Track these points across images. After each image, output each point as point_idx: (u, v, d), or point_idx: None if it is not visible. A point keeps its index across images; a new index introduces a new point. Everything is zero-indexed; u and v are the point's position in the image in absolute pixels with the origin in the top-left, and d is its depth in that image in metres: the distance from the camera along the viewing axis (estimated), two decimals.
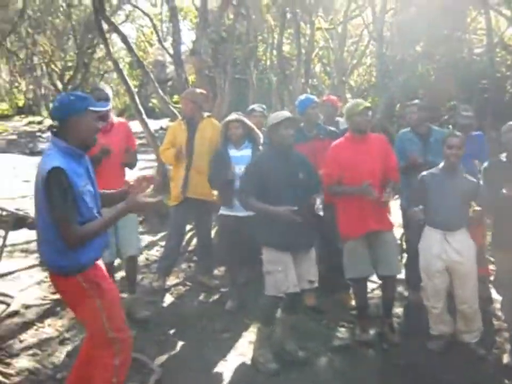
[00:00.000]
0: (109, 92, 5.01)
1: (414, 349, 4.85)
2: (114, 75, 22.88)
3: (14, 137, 19.55)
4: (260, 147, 5.30)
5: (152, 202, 3.24)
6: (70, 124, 3.18)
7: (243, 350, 4.73)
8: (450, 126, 5.92)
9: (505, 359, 4.65)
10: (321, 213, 4.30)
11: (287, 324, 4.71)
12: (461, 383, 4.36)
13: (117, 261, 5.59)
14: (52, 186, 3.02)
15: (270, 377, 4.32)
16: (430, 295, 4.80)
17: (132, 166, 5.27)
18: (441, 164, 4.74)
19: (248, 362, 4.54)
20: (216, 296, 5.83)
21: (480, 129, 6.24)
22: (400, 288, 5.94)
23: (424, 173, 4.82)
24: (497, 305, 5.25)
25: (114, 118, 5.28)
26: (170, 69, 25.26)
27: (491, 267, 5.86)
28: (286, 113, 4.69)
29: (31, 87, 28.29)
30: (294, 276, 4.37)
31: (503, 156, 4.64)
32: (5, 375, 4.07)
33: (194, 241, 6.69)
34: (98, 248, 3.36)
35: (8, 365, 4.25)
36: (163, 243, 6.37)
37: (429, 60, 12.11)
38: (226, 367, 4.47)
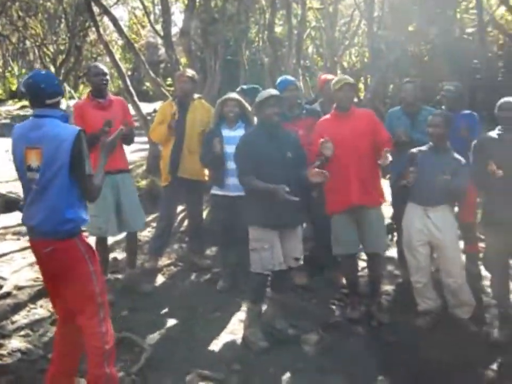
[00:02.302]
0: (104, 68, 5.22)
1: (403, 326, 4.90)
2: (107, 58, 22.72)
3: (7, 121, 19.43)
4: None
5: (115, 135, 3.76)
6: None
7: (234, 328, 4.78)
8: (443, 106, 5.88)
9: (495, 334, 4.69)
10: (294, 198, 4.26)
11: (277, 302, 4.76)
12: (448, 359, 4.39)
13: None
14: (82, 146, 3.31)
15: (260, 355, 4.36)
16: (414, 270, 4.87)
17: (129, 141, 5.34)
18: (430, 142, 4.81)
19: (239, 340, 4.58)
20: (207, 276, 5.86)
21: (471, 108, 6.23)
22: (391, 267, 6.00)
23: (414, 150, 4.86)
24: (487, 282, 5.29)
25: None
26: (163, 51, 25.03)
27: (481, 244, 5.91)
28: (271, 91, 4.67)
29: (23, 71, 28.08)
30: (280, 254, 4.41)
31: (494, 133, 4.65)
32: None
33: (186, 221, 6.70)
34: None
35: (0, 346, 4.29)
36: (155, 224, 6.39)
37: (421, 40, 12.08)
38: (217, 345, 4.52)
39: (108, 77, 5.17)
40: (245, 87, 6.58)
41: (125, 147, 5.36)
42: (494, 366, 4.33)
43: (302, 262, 4.67)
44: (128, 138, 5.24)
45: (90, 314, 3.41)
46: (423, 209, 4.75)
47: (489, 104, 5.47)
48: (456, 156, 4.76)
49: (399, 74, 10.89)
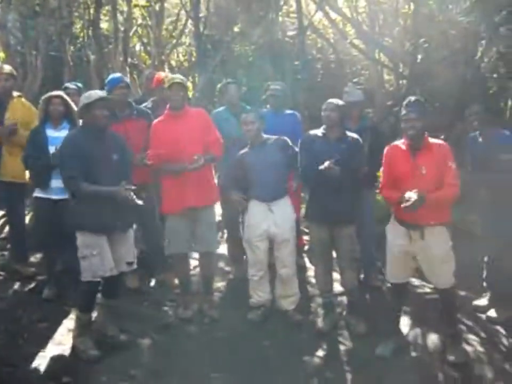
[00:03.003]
0: None
1: (235, 321, 5.01)
2: None
3: None
4: None
5: None
6: None
7: (62, 339, 4.56)
8: (268, 106, 6.08)
9: (319, 323, 4.97)
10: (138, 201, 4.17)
11: (108, 308, 4.62)
12: (278, 348, 4.59)
13: None
14: None
15: (92, 364, 4.21)
16: (253, 264, 5.00)
17: None
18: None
19: (68, 351, 4.38)
20: (32, 285, 5.53)
21: (293, 108, 6.51)
22: (222, 263, 6.11)
23: (242, 151, 4.98)
24: (311, 273, 5.57)
25: None
26: None
27: (305, 238, 6.22)
28: (99, 93, 4.51)
29: None
30: (111, 259, 4.29)
31: (319, 131, 4.88)
32: None
33: (7, 227, 6.27)
34: None
35: None
36: None
37: (246, 41, 12.42)
38: (44, 358, 4.27)
39: None
40: (69, 85, 6.29)
41: None
42: (319, 353, 4.57)
43: (135, 266, 4.60)
44: None
45: None
46: (264, 204, 4.88)
47: (309, 104, 5.76)
48: (279, 148, 4.92)
49: (225, 73, 11.09)
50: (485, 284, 5.22)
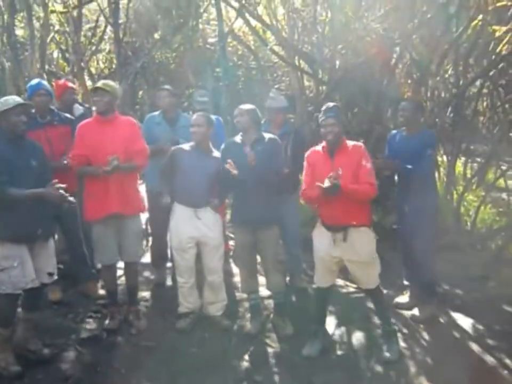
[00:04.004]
0: None
1: (162, 330, 4.98)
2: None
3: None
4: None
5: None
6: None
7: None
8: (190, 112, 6.11)
9: (247, 327, 5.00)
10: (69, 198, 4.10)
11: (30, 322, 4.46)
12: (207, 355, 4.59)
13: None
14: None
15: (14, 381, 4.07)
16: (183, 271, 4.97)
17: None
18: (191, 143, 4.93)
19: None
20: None
21: (216, 114, 6.53)
22: (146, 272, 6.03)
23: (174, 147, 4.97)
24: (237, 278, 5.59)
25: None
26: None
27: (231, 243, 6.24)
28: (17, 99, 4.36)
29: None
30: (32, 270, 4.16)
31: (238, 137, 4.92)
32: None
33: None
34: None
35: None
36: None
37: (166, 48, 12.36)
38: None
39: None
40: None
41: None
42: (248, 357, 4.60)
43: (56, 277, 4.47)
44: None
45: None
46: (192, 210, 4.85)
47: (231, 111, 5.80)
48: (216, 155, 4.93)
49: (146, 80, 11.02)
50: (405, 282, 5.41)
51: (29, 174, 4.17)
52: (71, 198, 4.09)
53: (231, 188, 4.91)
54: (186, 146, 4.94)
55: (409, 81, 8.00)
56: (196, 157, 4.85)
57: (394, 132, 5.42)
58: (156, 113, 5.84)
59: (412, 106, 5.12)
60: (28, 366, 4.22)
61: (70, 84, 6.13)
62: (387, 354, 4.51)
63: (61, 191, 4.02)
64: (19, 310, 4.40)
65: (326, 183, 4.11)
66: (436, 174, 6.72)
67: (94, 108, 5.39)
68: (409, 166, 4.88)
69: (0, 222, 4.12)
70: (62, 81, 6.15)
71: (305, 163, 4.57)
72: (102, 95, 4.80)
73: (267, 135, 4.90)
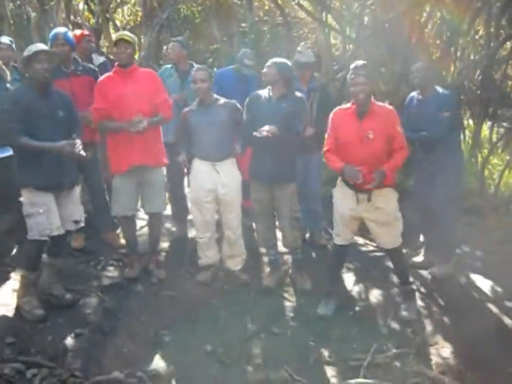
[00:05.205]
0: None
1: (182, 280, 5.05)
2: None
3: None
4: (8, 85, 4.86)
5: None
6: None
7: (6, 299, 4.45)
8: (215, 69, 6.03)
9: (265, 281, 5.04)
10: (82, 153, 4.14)
11: (54, 268, 4.55)
12: (225, 306, 4.67)
13: None
14: None
15: (37, 324, 4.16)
16: (199, 225, 4.98)
17: None
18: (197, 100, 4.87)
19: (12, 311, 4.30)
20: None
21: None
22: (168, 224, 6.09)
23: (186, 109, 4.92)
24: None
25: None
26: None
27: None
28: (40, 46, 4.33)
29: None
30: (57, 217, 4.21)
31: (265, 91, 4.81)
32: None
33: None
34: None
35: None
36: None
37: (192, 2, 12.21)
38: None
39: None
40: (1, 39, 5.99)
41: None
42: (266, 309, 4.65)
43: (82, 224, 4.53)
44: None
45: None
46: (209, 164, 4.82)
47: (258, 67, 5.72)
48: (221, 102, 4.84)
49: (172, 34, 10.88)
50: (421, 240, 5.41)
51: (55, 124, 4.18)
52: (85, 154, 4.10)
53: (251, 142, 4.87)
54: (193, 105, 4.89)
55: (437, 41, 7.82)
56: (203, 112, 4.79)
57: (411, 94, 5.30)
58: (169, 65, 5.80)
59: (425, 67, 5.03)
60: (50, 311, 4.31)
61: (86, 32, 6.07)
62: (405, 313, 4.54)
63: (79, 147, 4.03)
64: (44, 255, 4.48)
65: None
66: (462, 136, 6.63)
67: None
68: (424, 133, 4.83)
69: (27, 170, 4.16)
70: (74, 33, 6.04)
71: (329, 122, 4.45)
72: (125, 47, 4.75)
73: (295, 94, 4.79)
